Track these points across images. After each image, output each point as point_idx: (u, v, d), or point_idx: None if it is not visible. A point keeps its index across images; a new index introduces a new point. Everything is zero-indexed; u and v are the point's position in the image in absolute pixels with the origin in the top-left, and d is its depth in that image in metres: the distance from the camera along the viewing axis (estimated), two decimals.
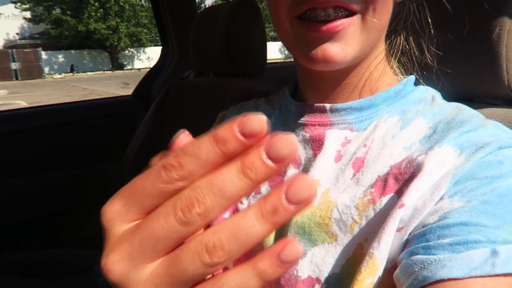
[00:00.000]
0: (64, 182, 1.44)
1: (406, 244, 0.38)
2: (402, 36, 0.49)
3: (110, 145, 1.53)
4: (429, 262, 0.33)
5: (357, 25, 0.41)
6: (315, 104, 0.48)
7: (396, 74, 0.50)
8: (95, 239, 1.31)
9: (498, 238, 0.33)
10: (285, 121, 0.52)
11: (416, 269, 0.34)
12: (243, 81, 1.06)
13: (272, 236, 0.46)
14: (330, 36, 0.41)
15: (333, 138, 0.46)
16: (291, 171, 0.48)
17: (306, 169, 0.47)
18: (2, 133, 1.36)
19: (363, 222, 0.40)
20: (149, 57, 25.10)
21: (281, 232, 0.45)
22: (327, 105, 0.47)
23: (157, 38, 1.71)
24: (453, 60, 0.50)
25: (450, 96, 0.48)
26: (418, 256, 0.34)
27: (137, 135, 1.32)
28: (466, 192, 0.36)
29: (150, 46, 24.77)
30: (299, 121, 0.49)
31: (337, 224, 0.42)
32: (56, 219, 1.44)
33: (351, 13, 0.41)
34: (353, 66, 0.46)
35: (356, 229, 0.40)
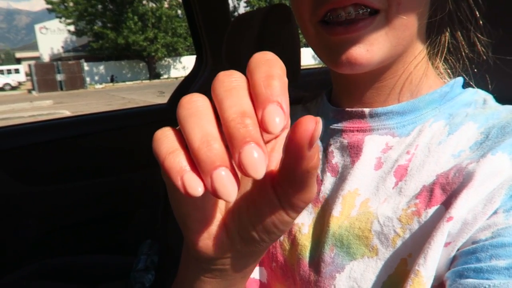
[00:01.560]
0: (103, 189, 1.48)
1: (453, 260, 0.34)
2: (447, 32, 0.44)
3: (146, 153, 1.55)
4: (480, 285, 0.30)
5: (381, 24, 0.38)
6: (354, 109, 0.46)
7: (441, 76, 0.46)
8: (132, 245, 1.34)
9: None
10: (323, 127, 0.50)
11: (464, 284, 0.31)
12: None
13: (308, 248, 0.44)
14: (353, 38, 0.38)
15: (373, 144, 0.44)
16: (328, 179, 0.46)
17: (343, 177, 0.44)
18: (48, 141, 1.41)
19: (407, 236, 0.37)
20: (184, 66, 25.69)
21: (318, 244, 0.43)
22: (366, 110, 0.44)
23: (193, 47, 1.73)
24: (507, 59, 0.45)
25: (504, 99, 0.44)
26: (470, 280, 0.31)
27: None
28: None
29: (186, 55, 25.35)
30: (337, 127, 0.47)
31: (378, 237, 0.39)
32: (95, 226, 1.47)
33: (374, 11, 0.38)
34: (387, 67, 0.43)
35: (399, 243, 0.37)
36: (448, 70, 0.46)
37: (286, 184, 0.24)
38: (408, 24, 0.39)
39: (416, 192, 0.38)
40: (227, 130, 0.21)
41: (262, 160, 0.20)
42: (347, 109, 0.46)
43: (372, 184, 0.42)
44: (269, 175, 0.25)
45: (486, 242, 0.32)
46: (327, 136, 0.48)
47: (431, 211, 0.36)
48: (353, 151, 0.45)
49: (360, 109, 0.45)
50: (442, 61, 0.46)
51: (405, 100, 0.44)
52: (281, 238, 0.46)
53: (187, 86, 1.66)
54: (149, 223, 1.46)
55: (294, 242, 0.45)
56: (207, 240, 0.27)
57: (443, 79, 0.46)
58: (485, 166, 0.35)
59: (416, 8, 0.39)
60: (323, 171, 0.46)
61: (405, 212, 0.38)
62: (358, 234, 0.40)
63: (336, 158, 0.46)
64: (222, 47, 1.10)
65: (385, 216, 0.39)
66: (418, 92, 0.44)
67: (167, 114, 1.62)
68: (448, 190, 0.36)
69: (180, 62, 26.23)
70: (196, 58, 1.72)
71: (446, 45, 0.44)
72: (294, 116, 0.56)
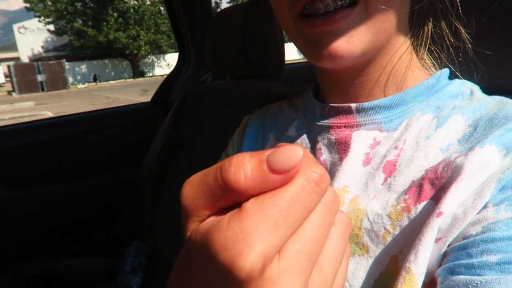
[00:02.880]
0: (87, 191, 1.45)
1: (444, 256, 0.34)
2: (429, 22, 0.44)
3: (130, 152, 1.53)
4: (474, 285, 0.29)
5: (360, 15, 0.38)
6: (340, 105, 0.45)
7: (426, 67, 0.46)
8: (118, 247, 1.31)
9: None
10: (310, 124, 0.49)
11: (457, 282, 0.30)
12: (261, 83, 1.04)
13: None
14: (333, 30, 0.38)
15: (361, 140, 0.43)
16: None
17: (332, 174, 0.44)
18: (30, 143, 1.38)
19: (397, 233, 0.37)
20: (168, 63, 25.46)
21: None
22: (353, 105, 0.44)
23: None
24: (491, 48, 0.45)
25: (490, 89, 0.43)
26: (461, 277, 0.31)
27: (156, 141, 1.31)
28: None
29: (171, 52, 25.13)
30: (324, 123, 0.46)
31: (368, 235, 0.38)
32: (77, 229, 1.44)
33: (352, 3, 0.37)
34: (370, 60, 0.42)
35: (390, 240, 0.37)
36: (433, 61, 0.46)
37: None
38: (388, 15, 0.38)
39: (405, 187, 0.38)
40: None
41: None
42: (333, 104, 0.45)
43: (361, 181, 0.41)
44: None
45: (476, 238, 0.32)
46: (315, 133, 0.47)
47: (420, 206, 0.36)
48: (341, 148, 0.44)
49: (346, 104, 0.44)
50: (426, 52, 0.45)
51: (391, 93, 0.43)
52: None
53: (170, 84, 1.64)
54: (136, 224, 1.44)
55: None
56: None
57: (429, 70, 0.45)
58: (473, 159, 0.34)
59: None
60: None
61: (395, 209, 0.37)
62: (351, 231, 0.39)
63: (324, 155, 0.45)
64: (205, 44, 1.08)
65: (374, 213, 0.38)
66: (404, 85, 0.43)
67: (150, 113, 1.60)
68: (437, 185, 0.36)
69: (164, 59, 25.98)
70: (179, 55, 1.70)
71: (430, 35, 0.44)
72: (281, 112, 0.55)
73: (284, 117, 0.54)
